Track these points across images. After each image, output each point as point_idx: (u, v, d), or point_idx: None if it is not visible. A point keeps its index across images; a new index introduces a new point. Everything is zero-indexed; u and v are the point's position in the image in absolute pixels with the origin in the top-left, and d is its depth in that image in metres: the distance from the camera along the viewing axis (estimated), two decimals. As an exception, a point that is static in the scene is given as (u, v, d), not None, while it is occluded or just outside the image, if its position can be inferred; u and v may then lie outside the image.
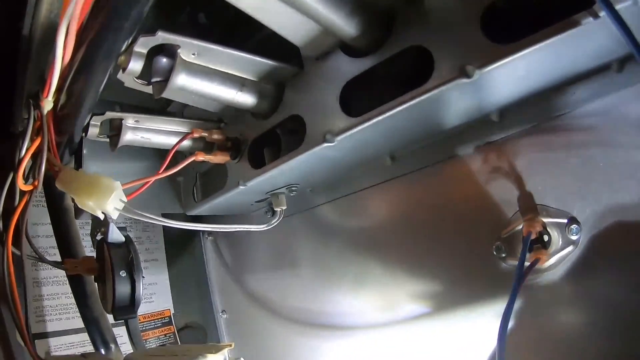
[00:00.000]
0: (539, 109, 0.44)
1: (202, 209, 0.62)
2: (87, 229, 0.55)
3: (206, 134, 0.51)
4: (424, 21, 0.38)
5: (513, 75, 0.38)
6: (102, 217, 0.42)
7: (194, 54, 0.40)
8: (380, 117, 0.40)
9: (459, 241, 0.50)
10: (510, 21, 0.37)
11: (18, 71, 0.50)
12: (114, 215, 0.41)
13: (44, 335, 0.60)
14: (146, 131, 0.51)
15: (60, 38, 0.36)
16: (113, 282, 0.46)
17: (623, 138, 0.41)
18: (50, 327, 0.61)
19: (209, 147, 0.54)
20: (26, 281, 0.61)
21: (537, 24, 0.34)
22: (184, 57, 0.40)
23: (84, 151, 0.53)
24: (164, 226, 0.76)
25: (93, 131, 0.50)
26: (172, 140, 0.52)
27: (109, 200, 0.40)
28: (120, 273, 0.47)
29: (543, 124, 0.45)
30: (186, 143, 0.53)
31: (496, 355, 0.38)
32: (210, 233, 0.80)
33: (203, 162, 0.58)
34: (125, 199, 0.41)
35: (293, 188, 0.57)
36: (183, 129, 0.53)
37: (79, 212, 0.54)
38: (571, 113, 0.43)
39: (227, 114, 0.54)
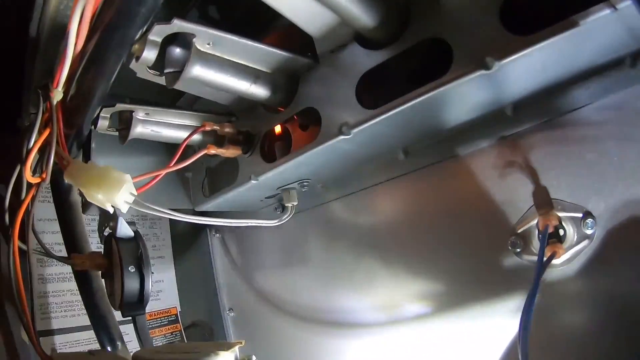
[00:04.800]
0: (553, 104, 0.44)
1: (211, 204, 0.61)
2: (93, 226, 0.55)
3: (217, 127, 0.50)
4: (442, 13, 0.38)
5: (530, 67, 0.38)
6: (111, 210, 0.41)
7: (209, 44, 0.40)
8: (398, 109, 0.39)
9: (472, 237, 0.50)
10: (528, 13, 0.37)
11: (26, 64, 0.49)
12: (124, 208, 0.40)
13: (49, 332, 0.60)
14: (156, 124, 0.50)
15: (74, 24, 0.35)
16: (122, 277, 0.45)
17: (637, 132, 0.40)
18: (56, 325, 0.60)
19: (219, 141, 0.53)
20: (32, 277, 0.60)
21: (554, 16, 0.34)
22: (199, 47, 0.40)
23: (93, 145, 0.52)
24: (170, 223, 0.75)
25: (102, 124, 0.49)
26: (182, 134, 0.51)
27: (119, 193, 0.39)
28: (129, 268, 0.46)
29: (557, 119, 0.44)
30: (196, 137, 0.52)
31: (519, 352, 0.37)
32: (217, 230, 0.79)
33: (213, 156, 0.57)
34: (135, 193, 0.41)
35: (305, 183, 0.56)
36: (194, 122, 0.52)
37: (86, 206, 0.53)
38: (585, 107, 0.43)
39: (238, 107, 0.53)
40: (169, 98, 0.61)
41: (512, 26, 0.35)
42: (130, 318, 0.48)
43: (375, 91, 0.43)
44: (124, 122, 0.50)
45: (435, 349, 0.53)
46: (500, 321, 0.47)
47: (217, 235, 0.79)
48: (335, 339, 0.63)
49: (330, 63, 0.44)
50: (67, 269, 0.60)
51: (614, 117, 0.41)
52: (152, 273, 0.48)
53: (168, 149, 0.62)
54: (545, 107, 0.44)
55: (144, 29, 0.37)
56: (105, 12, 0.35)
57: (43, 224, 0.63)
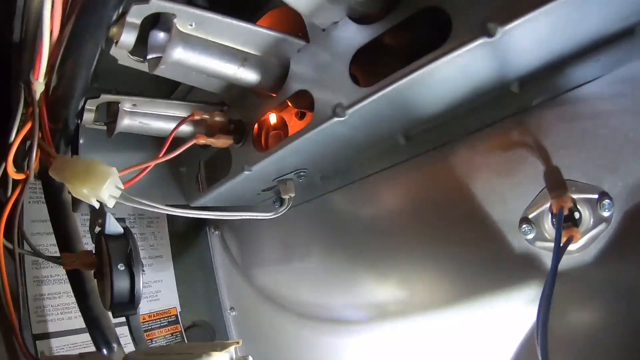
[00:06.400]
0: (562, 78, 0.41)
1: (206, 199, 0.59)
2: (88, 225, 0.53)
3: (207, 116, 0.48)
4: (438, -21, 0.35)
5: (536, 36, 0.35)
6: (97, 205, 0.39)
7: (191, 25, 0.38)
8: (394, 86, 0.36)
9: (481, 224, 0.47)
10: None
11: (13, 60, 0.48)
12: (110, 203, 0.39)
13: (46, 335, 0.58)
14: (144, 116, 0.48)
15: (47, 9, 0.33)
16: (111, 276, 0.43)
17: (653, 105, 0.37)
18: (52, 328, 0.59)
19: (211, 131, 0.51)
20: (26, 280, 0.59)
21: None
22: (180, 28, 0.37)
23: (81, 141, 0.50)
24: (168, 221, 0.74)
25: (88, 117, 0.47)
26: (172, 126, 0.49)
27: (103, 187, 0.37)
28: (119, 266, 0.44)
29: (567, 94, 0.41)
30: (188, 128, 0.51)
31: (538, 344, 0.34)
32: (216, 227, 0.78)
33: (206, 148, 0.55)
34: (122, 186, 0.39)
35: (302, 173, 0.54)
36: (183, 112, 0.50)
37: (76, 204, 0.51)
38: (596, 81, 0.40)
39: (229, 95, 0.51)
40: (164, 91, 0.59)
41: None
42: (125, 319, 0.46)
43: (371, 69, 0.41)
44: (111, 116, 0.48)
45: (448, 342, 0.50)
46: (513, 312, 0.45)
47: (217, 232, 0.78)
48: (340, 336, 0.60)
49: (322, 42, 0.42)
50: (63, 270, 0.59)
51: (627, 90, 0.38)
52: (144, 272, 0.46)
53: (161, 143, 0.60)
54: (553, 82, 0.41)
55: (120, 10, 0.35)
56: (78, -4, 0.33)
57: (37, 225, 0.62)
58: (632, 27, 0.36)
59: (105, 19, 0.34)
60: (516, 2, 0.32)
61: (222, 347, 0.40)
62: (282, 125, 0.53)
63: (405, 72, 0.36)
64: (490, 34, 0.32)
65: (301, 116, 0.51)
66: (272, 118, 0.53)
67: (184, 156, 0.50)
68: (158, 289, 0.69)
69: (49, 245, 0.61)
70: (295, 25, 0.44)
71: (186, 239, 0.76)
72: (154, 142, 0.59)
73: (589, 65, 0.39)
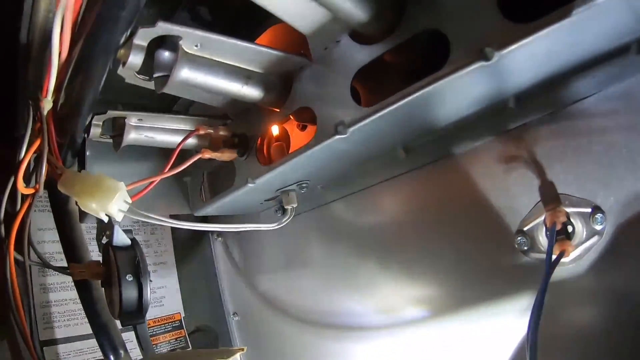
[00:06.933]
0: (558, 94, 0.42)
1: (210, 209, 0.60)
2: (94, 234, 0.54)
3: (212, 131, 0.49)
4: (438, 3, 0.36)
5: (532, 57, 0.36)
6: (105, 219, 0.40)
7: (196, 46, 0.39)
8: (394, 106, 0.38)
9: (477, 235, 0.48)
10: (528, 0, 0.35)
11: (19, 73, 0.49)
12: (118, 217, 0.39)
13: (53, 342, 0.59)
14: (150, 130, 0.50)
15: (56, 31, 0.34)
16: (119, 286, 0.45)
17: (646, 122, 0.38)
18: (59, 334, 0.60)
19: (215, 144, 0.52)
20: (33, 287, 0.60)
21: (556, 1, 0.32)
22: (186, 49, 0.38)
23: (88, 153, 0.51)
24: (172, 228, 0.75)
25: (95, 131, 0.48)
26: (177, 139, 0.50)
27: (112, 201, 0.38)
28: (127, 277, 0.45)
29: (562, 110, 0.42)
30: (192, 141, 0.52)
31: (527, 354, 0.36)
32: (219, 234, 0.79)
33: (210, 160, 0.56)
34: (129, 200, 0.40)
35: (304, 185, 0.55)
36: (188, 126, 0.51)
37: (83, 215, 0.52)
38: (591, 98, 0.41)
39: (233, 110, 0.52)
40: (166, 103, 0.60)
41: (512, 14, 0.33)
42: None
43: (372, 88, 0.42)
44: (117, 129, 0.49)
45: (442, 351, 0.52)
46: (508, 321, 0.46)
47: (220, 239, 0.79)
48: (341, 342, 0.62)
49: (324, 60, 0.43)
50: (69, 277, 0.60)
51: (621, 107, 0.39)
52: (151, 281, 0.47)
53: (165, 154, 0.61)
54: (549, 98, 0.42)
55: (128, 33, 0.36)
56: (87, 18, 0.34)
57: (43, 233, 0.63)
58: (626, 45, 0.37)
59: (114, 42, 0.34)
60: (513, 27, 0.33)
61: (228, 354, 0.42)
62: (284, 136, 0.54)
63: (405, 93, 0.37)
64: (487, 59, 0.33)
65: (303, 127, 0.52)
66: (275, 129, 0.54)
67: (188, 167, 0.51)
68: (162, 294, 0.70)
69: (55, 252, 0.62)
70: (298, 40, 0.45)
71: (189, 245, 0.77)
72: (159, 151, 0.60)
73: (584, 82, 0.40)
